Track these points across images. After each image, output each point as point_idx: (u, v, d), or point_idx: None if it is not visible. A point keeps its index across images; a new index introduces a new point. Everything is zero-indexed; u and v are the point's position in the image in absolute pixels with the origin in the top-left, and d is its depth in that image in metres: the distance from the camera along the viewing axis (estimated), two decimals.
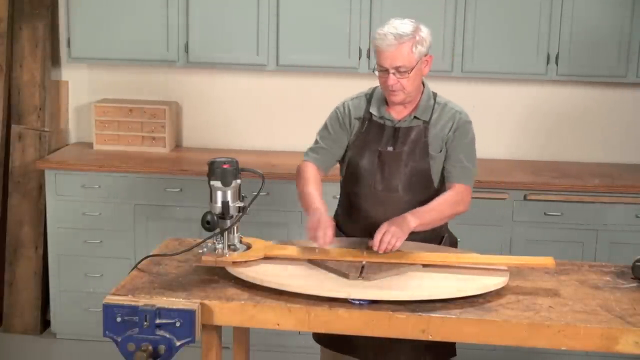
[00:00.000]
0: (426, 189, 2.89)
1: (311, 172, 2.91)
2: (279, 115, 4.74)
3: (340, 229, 2.98)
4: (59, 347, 4.46)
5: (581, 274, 2.72)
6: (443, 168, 2.90)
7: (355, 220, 2.94)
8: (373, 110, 2.90)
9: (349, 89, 4.71)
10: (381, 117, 2.89)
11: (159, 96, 4.75)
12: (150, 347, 2.31)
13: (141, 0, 4.37)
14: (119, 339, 2.34)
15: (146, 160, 4.41)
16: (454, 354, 2.94)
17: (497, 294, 2.49)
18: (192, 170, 4.25)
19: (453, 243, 3.05)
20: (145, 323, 2.32)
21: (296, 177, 2.94)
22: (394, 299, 2.39)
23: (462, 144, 2.90)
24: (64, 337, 4.51)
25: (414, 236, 2.78)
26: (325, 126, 2.98)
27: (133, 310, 2.34)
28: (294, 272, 2.55)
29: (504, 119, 4.67)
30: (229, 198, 2.58)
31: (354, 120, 2.93)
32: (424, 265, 2.62)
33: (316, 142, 2.99)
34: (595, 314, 2.37)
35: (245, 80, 4.70)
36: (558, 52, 4.26)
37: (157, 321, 2.33)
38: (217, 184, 2.57)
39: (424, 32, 2.80)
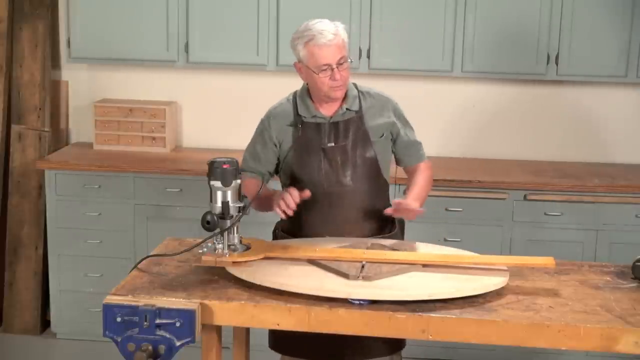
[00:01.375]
0: (375, 179, 2.94)
1: (251, 184, 2.93)
2: None
3: (293, 235, 2.99)
4: (59, 347, 4.46)
5: (581, 274, 2.72)
6: (395, 156, 3.03)
7: (315, 224, 2.92)
8: (302, 112, 2.91)
9: None
10: (313, 117, 2.91)
11: (159, 96, 4.75)
12: (150, 347, 2.31)
13: (141, 1, 4.37)
14: (119, 339, 2.34)
15: (146, 160, 4.41)
16: (404, 346, 3.00)
17: (497, 294, 2.49)
18: (192, 170, 4.25)
19: (402, 224, 3.11)
20: (145, 323, 2.32)
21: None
22: (394, 299, 2.39)
23: (408, 125, 3.02)
24: (64, 337, 4.51)
25: (371, 226, 2.93)
26: (252, 141, 3.02)
27: (133, 310, 2.34)
28: (294, 272, 2.55)
29: (503, 119, 4.66)
30: (229, 198, 2.58)
31: (285, 129, 2.92)
32: (424, 265, 2.62)
33: (245, 160, 2.99)
34: (595, 314, 2.37)
35: (245, 80, 4.70)
36: (558, 52, 4.27)
37: (157, 321, 2.33)
38: (217, 184, 2.57)
39: (339, 22, 2.89)
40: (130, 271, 2.64)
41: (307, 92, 2.93)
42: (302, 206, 2.86)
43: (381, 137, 2.93)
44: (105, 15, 4.39)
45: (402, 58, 4.34)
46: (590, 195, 4.14)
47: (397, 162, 3.08)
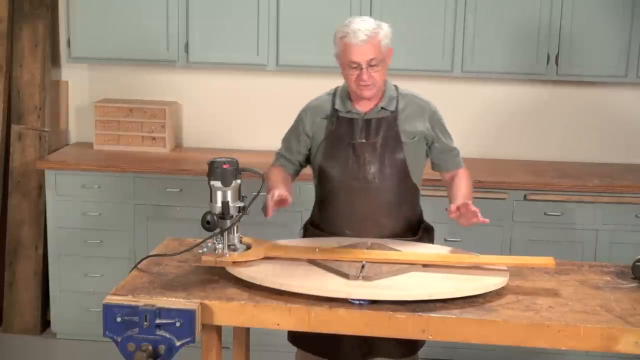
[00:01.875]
0: (403, 179, 2.95)
1: (274, 171, 3.05)
2: (279, 115, 4.70)
3: (320, 229, 3.03)
4: (59, 347, 4.46)
5: (581, 274, 2.72)
6: (431, 162, 3.05)
7: (337, 217, 2.96)
8: (338, 107, 2.95)
9: None
10: (348, 112, 2.94)
11: (159, 96, 4.75)
12: (150, 347, 2.31)
13: (141, 1, 4.37)
14: (119, 339, 2.34)
15: (146, 160, 4.41)
16: (420, 347, 3.01)
17: (497, 294, 2.49)
18: (192, 170, 4.25)
19: (429, 230, 3.11)
20: (145, 323, 2.32)
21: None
22: (394, 299, 2.39)
23: (446, 132, 3.03)
24: (64, 337, 4.51)
25: (393, 227, 2.92)
26: (288, 131, 3.10)
27: (133, 310, 2.34)
28: (294, 272, 2.55)
29: (503, 119, 4.67)
30: (229, 198, 2.58)
31: (319, 122, 2.98)
32: (424, 265, 2.62)
33: (281, 148, 3.11)
34: (595, 314, 2.37)
35: (245, 80, 4.70)
36: (558, 52, 4.27)
37: (157, 321, 2.33)
38: (217, 184, 2.57)
39: (385, 25, 2.87)
40: (130, 271, 2.65)
41: (346, 86, 2.98)
42: (327, 199, 2.96)
43: (413, 139, 2.94)
44: (105, 15, 4.39)
45: (402, 58, 4.30)
46: (590, 195, 4.14)
47: (433, 167, 3.10)
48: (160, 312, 2.33)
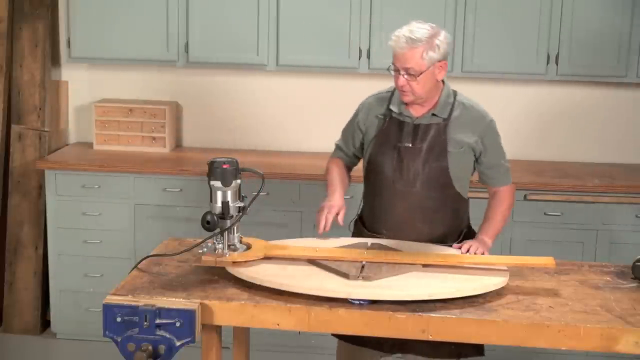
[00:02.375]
0: (444, 187, 2.94)
1: (334, 163, 3.11)
2: (279, 115, 4.74)
3: (364, 225, 3.05)
4: (59, 347, 4.46)
5: (581, 274, 2.72)
6: (480, 173, 3.03)
7: (377, 216, 3.00)
8: (393, 108, 2.95)
9: (349, 89, 4.72)
10: (400, 114, 2.94)
11: (159, 96, 4.75)
12: (150, 347, 2.31)
13: (141, 1, 4.37)
14: (119, 339, 2.34)
15: (146, 160, 4.41)
16: (482, 354, 2.92)
17: (497, 294, 2.49)
18: (192, 170, 4.25)
19: (470, 237, 3.06)
20: (145, 323, 2.32)
21: (327, 168, 3.13)
22: (394, 299, 2.39)
23: (497, 146, 3.01)
24: (64, 337, 4.51)
25: (430, 232, 2.92)
26: (347, 123, 3.13)
27: (133, 310, 2.34)
28: (294, 272, 2.55)
29: (504, 119, 4.63)
30: (229, 198, 2.58)
31: (373, 119, 2.98)
32: (424, 265, 2.62)
33: (342, 137, 3.15)
34: (595, 314, 2.37)
35: (245, 80, 4.70)
36: (558, 52, 4.27)
37: (157, 321, 2.33)
38: (217, 184, 2.57)
39: (441, 38, 2.81)
40: (130, 271, 2.65)
41: None
42: (370, 196, 3.02)
43: (460, 149, 2.92)
44: (105, 15, 4.39)
45: None
46: (590, 195, 4.14)
47: (479, 179, 3.09)
48: (160, 312, 2.33)
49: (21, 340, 4.50)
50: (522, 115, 4.65)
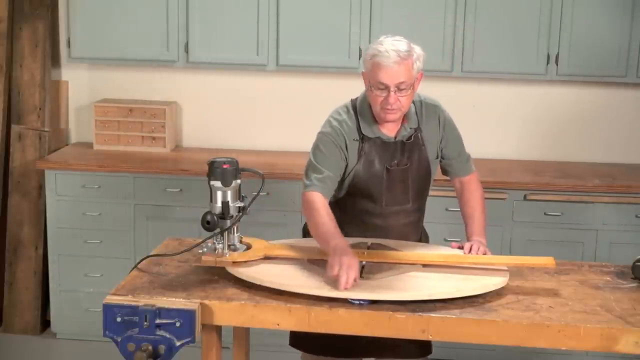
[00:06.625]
0: (425, 196, 2.98)
1: (321, 203, 2.74)
2: (279, 115, 4.74)
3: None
4: (59, 347, 4.46)
5: (581, 274, 2.72)
6: (441, 167, 3.00)
7: (354, 235, 2.86)
8: (366, 132, 2.82)
9: (349, 89, 4.70)
10: (377, 137, 2.83)
11: (159, 96, 4.75)
12: (150, 347, 2.31)
13: (141, 1, 4.37)
14: (119, 339, 2.34)
15: (146, 160, 4.41)
16: (430, 352, 2.98)
17: (497, 294, 2.49)
18: (192, 170, 4.25)
19: (426, 238, 3.12)
20: (145, 323, 2.32)
21: (304, 208, 2.77)
22: (394, 299, 2.39)
23: (455, 136, 2.97)
24: (64, 337, 4.51)
25: (416, 239, 2.95)
26: (321, 152, 2.81)
27: (133, 310, 2.34)
28: (294, 272, 2.55)
29: (503, 119, 4.67)
30: (229, 198, 2.58)
31: (352, 142, 2.82)
32: (424, 265, 2.62)
33: (315, 169, 2.79)
34: (595, 314, 2.37)
35: (245, 80, 4.70)
36: (558, 52, 4.27)
37: (157, 321, 2.33)
38: (217, 184, 2.57)
39: (417, 48, 2.75)
40: (130, 271, 2.65)
41: (368, 106, 2.82)
42: (355, 219, 2.87)
43: (436, 158, 2.93)
44: (105, 15, 4.39)
45: None
46: (590, 195, 4.14)
47: (442, 172, 3.04)
48: (160, 312, 2.33)
49: (21, 340, 4.50)
50: (521, 116, 4.65)
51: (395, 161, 2.85)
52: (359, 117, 2.84)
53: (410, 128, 2.86)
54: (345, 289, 2.39)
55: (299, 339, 2.93)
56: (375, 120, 2.82)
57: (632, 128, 4.62)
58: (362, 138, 2.82)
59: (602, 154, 4.64)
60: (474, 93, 4.63)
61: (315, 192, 2.75)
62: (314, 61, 4.34)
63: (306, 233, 3.06)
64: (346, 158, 2.83)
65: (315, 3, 4.29)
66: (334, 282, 2.42)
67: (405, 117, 2.84)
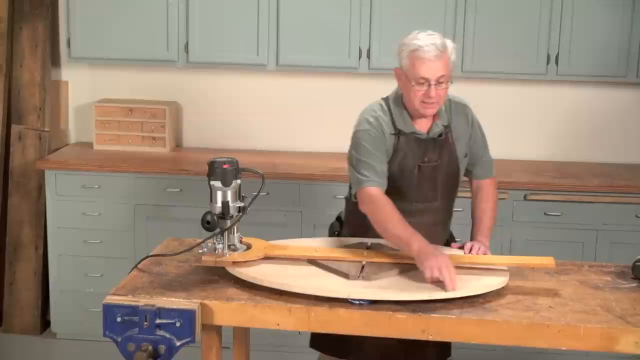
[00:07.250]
0: (454, 190, 2.97)
1: (384, 198, 2.70)
2: (279, 115, 4.74)
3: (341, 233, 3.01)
4: (59, 347, 4.46)
5: (581, 274, 2.72)
6: (468, 164, 2.99)
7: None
8: (401, 126, 2.83)
9: (349, 89, 4.72)
10: (411, 132, 2.84)
11: (159, 96, 4.75)
12: (150, 347, 2.31)
13: (141, 1, 4.37)
14: (119, 339, 2.34)
15: (146, 160, 4.41)
16: (449, 355, 2.98)
17: (497, 294, 2.49)
18: (192, 170, 4.25)
19: (453, 240, 3.08)
20: (145, 323, 2.32)
21: (365, 204, 2.72)
22: (394, 299, 2.39)
23: (481, 137, 2.99)
24: (64, 337, 4.51)
25: (444, 238, 2.97)
26: (366, 148, 2.77)
27: (133, 310, 2.34)
28: (294, 272, 2.55)
29: (503, 119, 4.66)
30: (229, 198, 2.58)
31: (390, 137, 2.82)
32: None
33: (365, 166, 2.74)
34: (595, 314, 2.37)
35: (245, 80, 4.70)
36: (558, 52, 4.26)
37: (157, 321, 2.33)
38: (217, 184, 2.57)
39: (450, 42, 2.76)
40: (130, 271, 2.65)
41: (402, 102, 2.84)
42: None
43: (465, 157, 2.94)
44: (105, 15, 4.39)
45: None
46: (590, 195, 4.14)
47: (464, 174, 3.03)
48: (160, 312, 2.33)
49: (21, 340, 4.50)
50: (521, 115, 4.65)
51: (426, 158, 2.85)
52: (392, 112, 2.85)
53: (442, 125, 2.87)
54: (454, 287, 2.42)
55: (317, 339, 2.95)
56: (409, 116, 2.84)
57: (632, 128, 4.62)
58: (399, 133, 2.83)
59: (602, 154, 4.64)
60: (474, 93, 4.58)
61: (373, 187, 2.72)
62: (314, 61, 4.34)
63: (333, 232, 3.03)
64: (388, 150, 2.81)
65: (315, 3, 4.30)
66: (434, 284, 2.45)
67: (436, 114, 2.85)
